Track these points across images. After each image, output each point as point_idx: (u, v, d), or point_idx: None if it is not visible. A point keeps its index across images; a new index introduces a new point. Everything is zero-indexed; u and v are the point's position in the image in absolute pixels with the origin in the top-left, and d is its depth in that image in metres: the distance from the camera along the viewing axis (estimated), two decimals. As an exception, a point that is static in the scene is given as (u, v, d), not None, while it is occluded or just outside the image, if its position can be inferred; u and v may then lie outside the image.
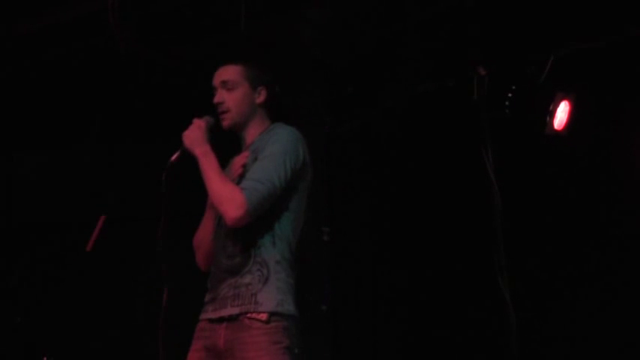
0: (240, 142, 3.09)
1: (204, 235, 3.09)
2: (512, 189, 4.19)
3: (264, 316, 2.80)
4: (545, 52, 4.22)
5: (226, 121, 3.01)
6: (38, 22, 4.56)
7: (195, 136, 2.92)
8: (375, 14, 4.45)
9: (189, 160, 2.92)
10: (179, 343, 2.93)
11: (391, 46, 4.63)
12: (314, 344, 4.79)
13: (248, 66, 3.04)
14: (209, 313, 2.92)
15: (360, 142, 5.08)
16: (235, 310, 2.83)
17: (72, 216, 5.29)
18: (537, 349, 4.31)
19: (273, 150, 2.87)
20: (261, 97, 3.04)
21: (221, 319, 2.86)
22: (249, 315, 2.81)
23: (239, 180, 2.90)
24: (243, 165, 2.94)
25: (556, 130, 4.25)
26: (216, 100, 3.02)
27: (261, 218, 2.85)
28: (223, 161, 3.04)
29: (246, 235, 2.88)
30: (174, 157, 2.95)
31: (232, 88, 3.00)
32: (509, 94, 4.22)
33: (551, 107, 4.23)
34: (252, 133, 3.04)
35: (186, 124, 3.04)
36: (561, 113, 4.26)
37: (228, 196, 2.78)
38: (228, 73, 3.03)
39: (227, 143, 3.07)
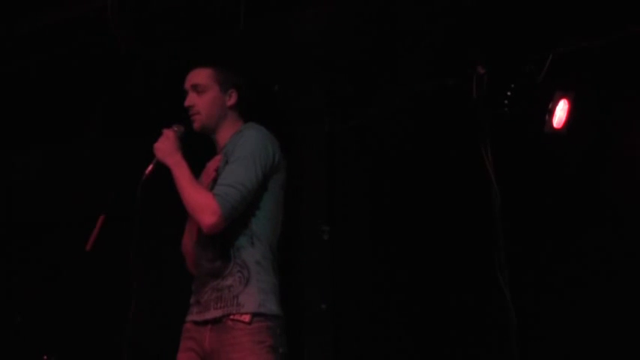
0: (214, 146, 3.11)
1: (189, 240, 3.12)
2: (511, 187, 4.19)
3: (246, 318, 2.83)
4: (544, 50, 4.23)
5: (197, 124, 3.05)
6: (37, 21, 4.57)
7: (165, 147, 2.95)
8: (374, 13, 4.45)
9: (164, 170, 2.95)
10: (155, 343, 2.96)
11: (391, 46, 4.63)
12: (314, 344, 4.80)
13: (218, 69, 3.08)
14: (194, 315, 2.96)
15: (360, 141, 5.08)
16: (218, 313, 2.87)
17: (72, 215, 5.29)
18: (537, 347, 4.31)
19: (242, 152, 2.90)
20: (231, 99, 3.07)
21: (205, 322, 2.90)
22: (231, 317, 2.85)
23: (213, 185, 2.93)
24: (216, 169, 2.98)
25: (555, 129, 4.25)
26: (186, 103, 3.06)
27: (238, 220, 2.89)
28: (201, 166, 3.09)
29: (224, 238, 2.91)
30: (148, 170, 2.99)
31: (202, 91, 3.05)
32: (509, 93, 4.22)
33: (550, 106, 4.23)
34: (224, 135, 3.07)
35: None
36: (560, 112, 4.26)
37: (201, 204, 2.81)
38: (198, 76, 3.07)
39: (203, 147, 3.11)
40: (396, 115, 4.92)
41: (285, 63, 4.84)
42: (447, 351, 4.67)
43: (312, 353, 4.77)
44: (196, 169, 3.07)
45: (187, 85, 3.08)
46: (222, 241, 2.92)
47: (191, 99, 3.05)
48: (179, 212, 3.01)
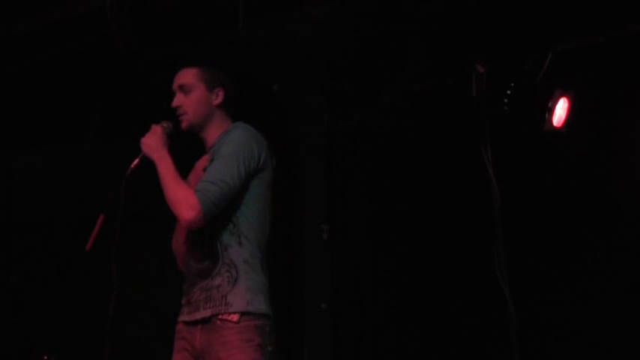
0: (203, 145, 3.12)
1: (178, 240, 3.13)
2: (511, 186, 4.19)
3: (235, 317, 2.84)
4: (544, 49, 4.23)
5: (184, 123, 3.06)
6: (37, 21, 4.57)
7: (151, 142, 2.97)
8: (374, 12, 4.45)
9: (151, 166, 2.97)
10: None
11: (390, 45, 4.63)
12: (314, 343, 4.80)
13: (203, 68, 3.09)
14: (185, 316, 2.98)
15: (360, 140, 5.08)
16: (207, 313, 2.88)
17: (72, 215, 5.29)
18: (537, 345, 4.31)
19: (226, 150, 2.92)
20: (218, 98, 3.07)
21: (195, 322, 2.92)
22: (220, 316, 2.86)
23: None
24: (204, 169, 2.99)
25: (555, 127, 4.25)
26: (173, 103, 3.07)
27: (225, 219, 2.91)
28: (191, 165, 3.10)
29: (212, 238, 2.93)
30: (133, 164, 3.00)
31: (189, 91, 3.05)
32: (508, 92, 4.22)
33: (550, 104, 4.24)
34: (212, 134, 3.07)
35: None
36: (560, 110, 4.26)
37: (181, 199, 2.82)
38: (185, 76, 3.08)
39: (194, 147, 3.12)
40: (396, 114, 4.92)
41: (285, 63, 4.84)
42: (447, 350, 4.67)
43: (312, 353, 4.77)
44: (187, 169, 3.10)
45: (174, 85, 3.10)
46: (210, 241, 2.93)
47: (178, 99, 3.07)
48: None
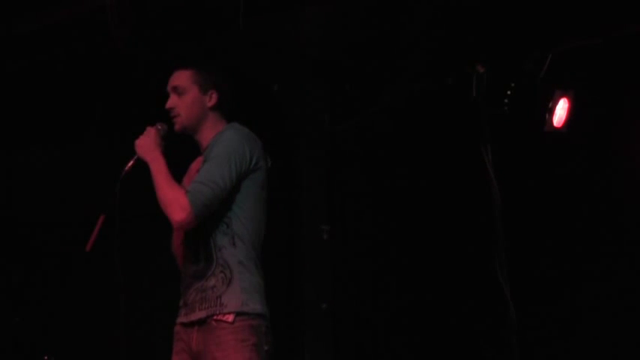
0: (198, 147, 3.12)
1: (176, 242, 3.13)
2: (511, 186, 4.19)
3: (229, 317, 2.86)
4: (544, 49, 4.23)
5: (177, 125, 3.06)
6: (37, 21, 4.57)
7: (145, 144, 2.99)
8: (374, 13, 4.45)
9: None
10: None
11: (390, 45, 4.63)
12: (314, 344, 4.80)
13: (197, 70, 3.09)
14: (182, 317, 3.00)
15: (360, 140, 5.08)
16: (203, 314, 2.90)
17: (72, 215, 5.29)
18: (537, 345, 4.31)
19: (218, 152, 2.92)
20: (212, 100, 3.07)
21: (192, 323, 2.94)
22: (215, 317, 2.87)
23: None
24: (197, 171, 2.99)
25: (555, 127, 4.25)
26: (167, 105, 3.08)
27: (218, 220, 2.92)
28: (186, 167, 3.11)
29: (206, 239, 2.94)
30: (128, 166, 3.02)
31: (182, 92, 3.06)
32: (509, 92, 4.22)
33: (550, 104, 4.23)
34: (206, 136, 3.07)
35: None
36: (560, 110, 4.26)
37: (172, 200, 2.84)
38: (179, 78, 3.08)
39: (190, 149, 3.12)
40: (396, 114, 4.92)
41: (285, 63, 4.84)
42: (447, 350, 4.67)
43: (312, 353, 4.77)
44: (182, 171, 3.10)
45: (169, 87, 3.10)
46: (205, 243, 2.94)
47: (172, 101, 3.07)
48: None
